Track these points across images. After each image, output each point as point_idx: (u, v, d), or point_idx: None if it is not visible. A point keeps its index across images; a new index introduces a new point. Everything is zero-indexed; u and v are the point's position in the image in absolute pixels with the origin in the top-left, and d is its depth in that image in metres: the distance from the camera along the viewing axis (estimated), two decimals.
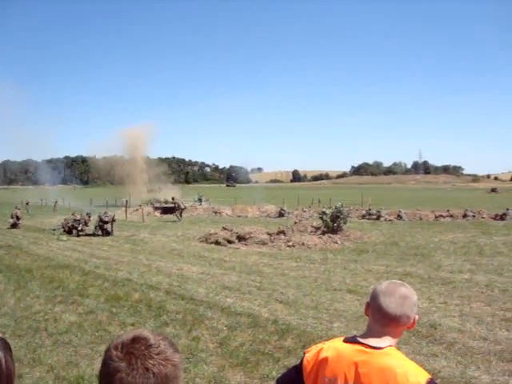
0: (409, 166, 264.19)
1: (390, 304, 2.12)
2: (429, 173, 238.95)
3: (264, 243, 18.88)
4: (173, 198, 35.85)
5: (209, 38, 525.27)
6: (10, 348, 1.88)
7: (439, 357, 6.74)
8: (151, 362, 1.33)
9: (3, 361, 1.81)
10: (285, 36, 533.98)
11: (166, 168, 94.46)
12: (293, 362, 6.25)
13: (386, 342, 2.13)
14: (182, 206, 33.88)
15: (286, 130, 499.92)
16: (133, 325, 8.38)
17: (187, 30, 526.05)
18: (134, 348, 1.35)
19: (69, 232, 23.41)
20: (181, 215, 33.38)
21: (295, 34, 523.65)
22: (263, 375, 6.22)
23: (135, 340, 1.37)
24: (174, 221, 31.84)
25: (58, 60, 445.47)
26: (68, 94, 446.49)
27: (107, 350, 1.39)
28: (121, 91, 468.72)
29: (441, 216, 31.38)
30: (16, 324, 8.51)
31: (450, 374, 6.10)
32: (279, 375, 2.53)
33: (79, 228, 23.23)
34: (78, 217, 24.15)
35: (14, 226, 26.84)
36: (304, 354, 2.34)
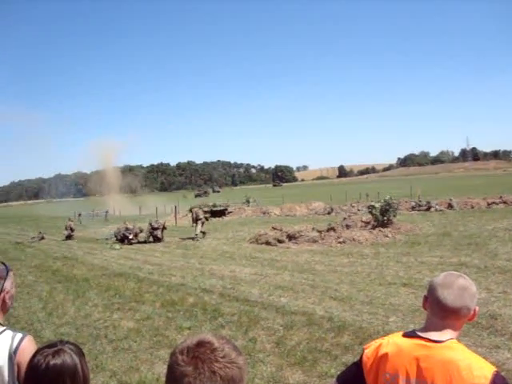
0: (456, 153, 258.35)
1: (449, 296, 2.09)
2: (478, 159, 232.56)
3: (314, 241, 18.80)
4: (190, 210, 27.17)
5: (246, 37, 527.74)
6: (83, 353, 1.96)
7: (502, 348, 6.59)
8: (217, 365, 1.35)
9: (79, 366, 1.89)
10: (324, 28, 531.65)
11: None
12: (350, 358, 6.23)
13: (446, 335, 2.09)
14: (202, 218, 24.50)
15: (329, 126, 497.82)
16: (189, 329, 8.49)
17: (224, 25, 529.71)
18: (200, 352, 1.37)
19: (121, 240, 23.81)
20: (201, 230, 24.21)
21: (335, 22, 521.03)
22: (321, 373, 6.20)
23: (200, 344, 1.39)
24: (192, 238, 23.42)
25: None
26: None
27: (172, 355, 1.41)
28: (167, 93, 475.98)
29: (493, 203, 30.56)
30: (77, 332, 8.75)
31: None
32: (339, 372, 2.52)
33: (130, 237, 23.58)
34: (130, 225, 24.56)
35: (68, 237, 27.54)
36: (363, 350, 2.33)
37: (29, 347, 2.40)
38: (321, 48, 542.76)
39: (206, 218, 25.53)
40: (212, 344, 1.39)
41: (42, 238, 28.01)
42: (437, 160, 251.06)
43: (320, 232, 19.94)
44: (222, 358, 1.37)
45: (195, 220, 24.44)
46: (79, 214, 46.55)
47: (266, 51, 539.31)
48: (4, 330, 2.51)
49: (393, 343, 2.20)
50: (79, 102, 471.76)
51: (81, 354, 1.96)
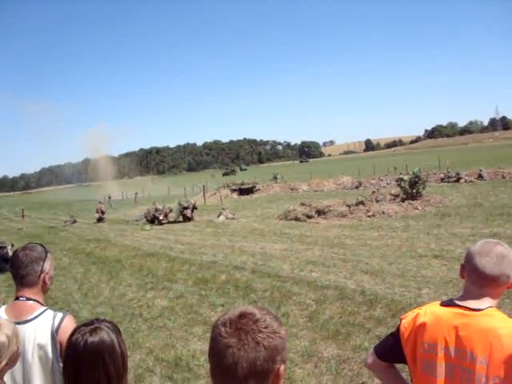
0: (485, 123, 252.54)
1: (487, 264, 2.06)
2: (508, 128, 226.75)
3: (344, 215, 18.76)
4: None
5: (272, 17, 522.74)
6: (120, 331, 2.01)
7: None
8: (261, 335, 1.37)
9: (116, 343, 1.94)
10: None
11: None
12: (383, 331, 6.24)
13: (485, 303, 2.08)
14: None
15: (355, 100, 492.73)
16: (222, 305, 8.56)
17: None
18: (242, 323, 1.39)
19: (151, 221, 24.03)
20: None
21: None
22: (355, 346, 6.23)
23: (242, 316, 1.42)
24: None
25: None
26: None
27: (215, 327, 1.44)
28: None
29: None
30: (113, 311, 8.93)
31: None
32: (376, 344, 2.52)
33: (161, 217, 23.76)
34: (160, 206, 24.74)
35: (99, 220, 27.93)
36: (400, 320, 2.32)
37: (70, 325, 2.46)
38: (347, 21, 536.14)
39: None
40: (254, 315, 1.42)
41: (74, 222, 28.50)
42: (465, 130, 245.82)
43: (349, 206, 19.86)
44: (264, 328, 1.39)
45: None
46: (109, 197, 47.07)
47: (289, 27, 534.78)
48: (45, 310, 2.58)
49: (430, 312, 2.19)
50: (104, 88, 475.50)
51: (117, 331, 2.00)
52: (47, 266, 2.66)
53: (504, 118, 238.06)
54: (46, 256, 2.67)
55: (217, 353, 1.39)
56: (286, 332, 1.46)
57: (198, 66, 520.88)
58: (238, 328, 1.38)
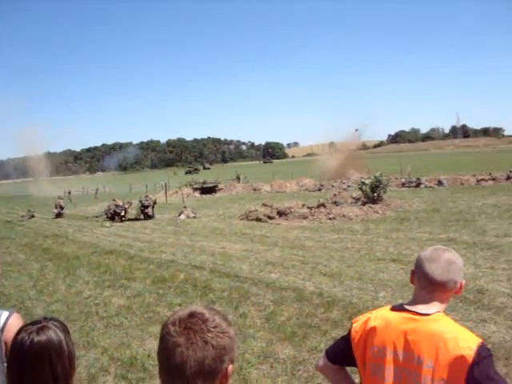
0: (447, 130, 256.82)
1: (436, 270, 2.11)
2: (468, 136, 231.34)
3: (305, 217, 18.86)
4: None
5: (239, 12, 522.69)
6: (68, 330, 1.97)
7: (488, 322, 6.66)
8: (209, 335, 1.39)
9: (64, 342, 1.90)
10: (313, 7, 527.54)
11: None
12: (340, 333, 6.27)
13: (433, 308, 2.12)
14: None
15: (320, 103, 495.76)
16: (180, 305, 8.50)
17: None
18: (192, 323, 1.41)
19: (111, 218, 23.72)
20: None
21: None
22: (311, 348, 6.26)
23: (192, 315, 1.43)
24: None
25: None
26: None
27: (165, 326, 1.45)
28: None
29: (483, 180, 30.61)
30: (68, 309, 8.77)
31: (500, 339, 6.02)
32: (328, 347, 2.54)
33: (122, 214, 23.49)
34: (120, 203, 24.46)
35: (58, 215, 27.41)
36: (352, 324, 2.35)
37: (16, 324, 2.39)
38: (313, 24, 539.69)
39: None
40: (203, 315, 1.44)
41: (32, 217, 27.93)
42: (427, 137, 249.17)
43: (310, 208, 20.01)
44: (213, 328, 1.41)
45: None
46: (69, 192, 46.35)
47: (254, 28, 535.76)
48: None
49: (381, 317, 2.22)
50: (71, 81, 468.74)
51: (66, 330, 1.96)
52: None
53: (464, 126, 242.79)
54: None
55: (165, 352, 1.41)
56: (235, 332, 1.48)
57: (162, 63, 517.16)
58: (187, 327, 1.40)
